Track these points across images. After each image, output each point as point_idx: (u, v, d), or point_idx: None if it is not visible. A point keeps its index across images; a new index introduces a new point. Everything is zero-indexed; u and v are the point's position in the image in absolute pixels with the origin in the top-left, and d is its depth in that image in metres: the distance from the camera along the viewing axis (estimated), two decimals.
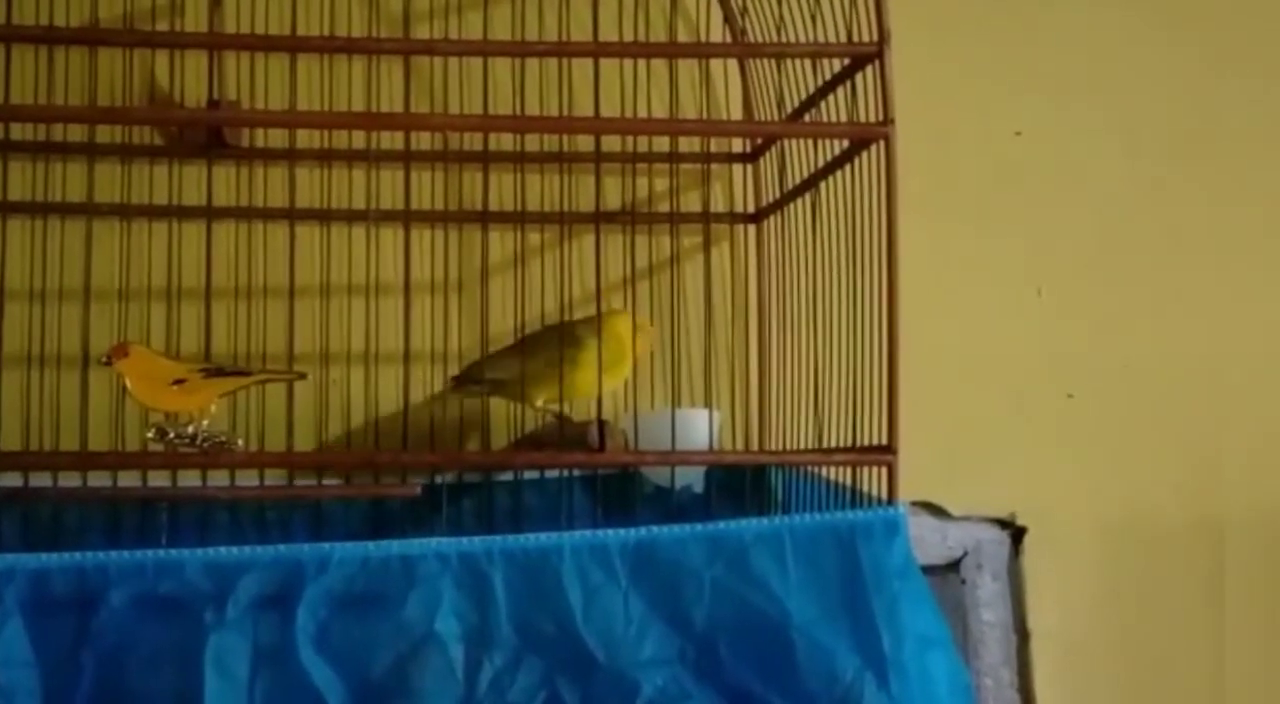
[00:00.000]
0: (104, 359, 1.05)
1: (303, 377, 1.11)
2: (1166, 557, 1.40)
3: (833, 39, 1.11)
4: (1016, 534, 1.38)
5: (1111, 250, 1.42)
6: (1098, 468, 1.40)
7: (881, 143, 1.09)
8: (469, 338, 1.30)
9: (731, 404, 1.33)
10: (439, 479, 1.24)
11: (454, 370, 1.26)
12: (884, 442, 1.08)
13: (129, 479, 1.13)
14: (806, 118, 1.20)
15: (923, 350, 1.15)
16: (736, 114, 1.35)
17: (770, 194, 1.32)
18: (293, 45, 1.10)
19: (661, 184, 1.35)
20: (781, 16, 1.16)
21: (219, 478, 1.17)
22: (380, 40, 1.25)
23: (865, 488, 1.12)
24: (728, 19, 1.32)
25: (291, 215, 1.24)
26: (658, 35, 1.29)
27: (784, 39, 1.18)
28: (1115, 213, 1.43)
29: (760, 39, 1.24)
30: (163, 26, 1.26)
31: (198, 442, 1.04)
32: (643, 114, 1.25)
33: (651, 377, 1.30)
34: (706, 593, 1.04)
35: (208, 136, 1.27)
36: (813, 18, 1.11)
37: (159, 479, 1.15)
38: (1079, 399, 1.40)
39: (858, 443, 1.10)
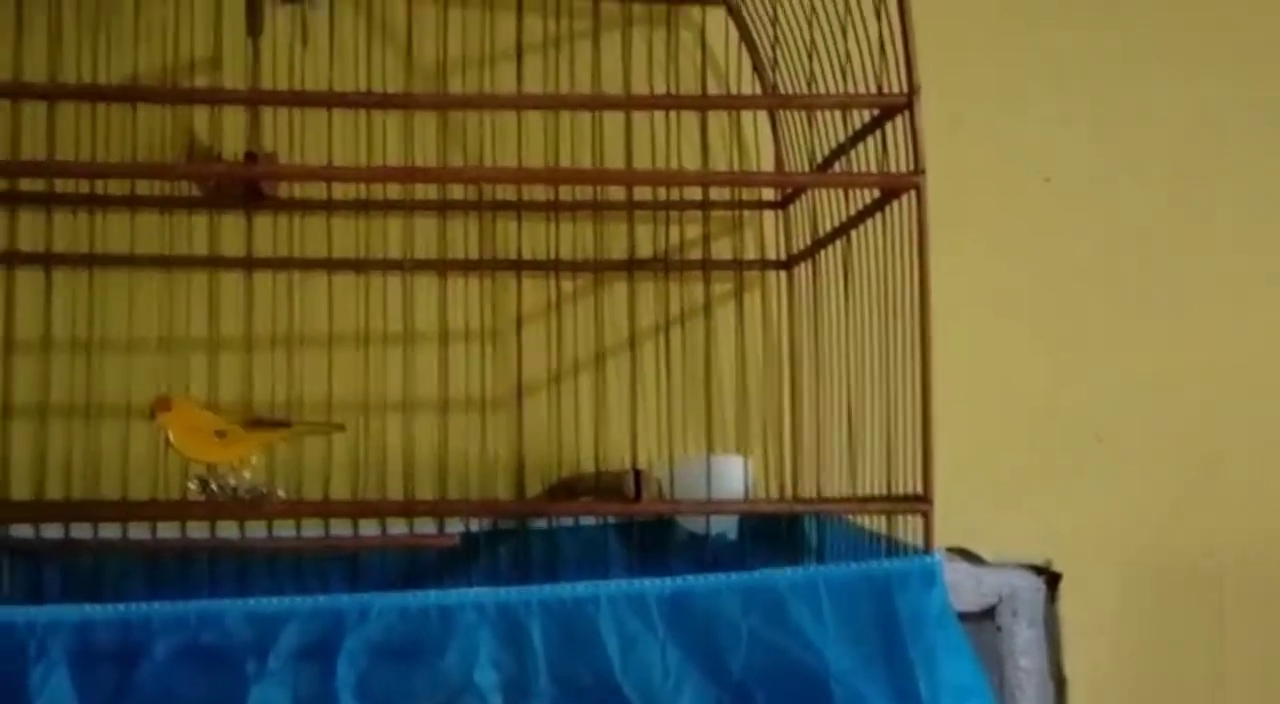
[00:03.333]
0: (148, 412, 1.06)
1: (341, 429, 1.13)
2: (1203, 601, 1.40)
3: (862, 87, 1.12)
4: (1051, 580, 1.37)
5: (1141, 294, 1.43)
6: (1130, 512, 1.40)
7: (913, 192, 1.10)
8: (503, 385, 1.31)
9: (764, 449, 1.33)
10: (474, 526, 1.25)
11: (490, 417, 1.27)
12: (919, 490, 1.08)
13: (168, 529, 1.14)
14: (837, 165, 1.21)
15: (954, 395, 1.15)
16: (767, 159, 1.36)
17: (801, 241, 1.33)
18: (331, 101, 1.11)
19: (693, 231, 1.35)
20: (812, 71, 1.17)
21: (257, 528, 1.18)
22: (417, 96, 1.27)
23: (900, 534, 1.12)
24: (757, 68, 1.33)
25: (330, 265, 1.25)
26: (688, 84, 1.31)
27: (814, 88, 1.19)
28: (1145, 255, 1.43)
29: (790, 86, 1.26)
30: (202, 78, 1.28)
31: (239, 493, 1.05)
32: (674, 162, 1.27)
33: (685, 422, 1.31)
34: (743, 643, 1.05)
35: (246, 188, 1.28)
36: (843, 72, 1.12)
37: (197, 529, 1.17)
38: (1109, 443, 1.40)
39: (892, 491, 1.11)
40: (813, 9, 1.14)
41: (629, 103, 1.11)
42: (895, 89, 1.10)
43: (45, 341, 1.22)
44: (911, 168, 1.10)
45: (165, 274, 1.27)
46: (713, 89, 1.34)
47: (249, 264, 1.28)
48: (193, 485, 1.07)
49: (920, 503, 1.08)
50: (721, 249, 1.35)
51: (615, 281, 1.33)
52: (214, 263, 1.28)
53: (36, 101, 1.16)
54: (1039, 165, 1.43)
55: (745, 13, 1.31)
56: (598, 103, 1.16)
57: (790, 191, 1.34)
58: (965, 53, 1.39)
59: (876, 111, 1.12)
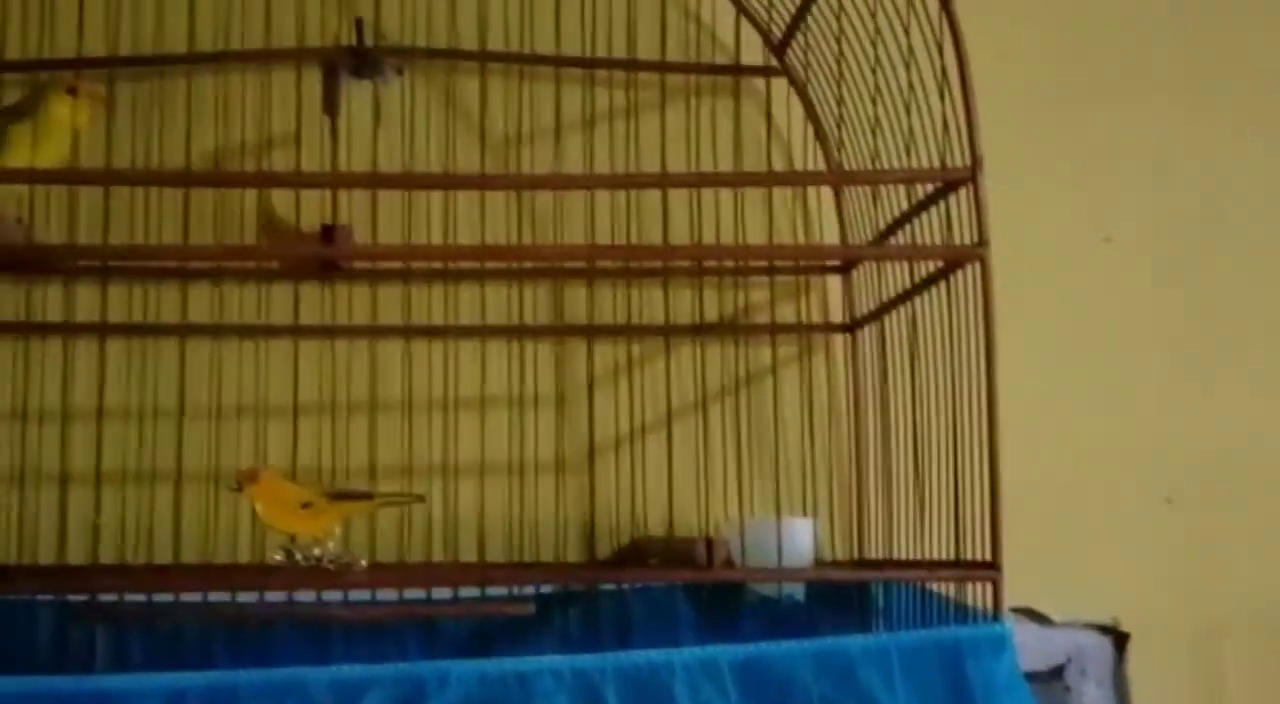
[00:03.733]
0: (235, 484, 1.10)
1: (421, 500, 1.16)
2: (1272, 661, 1.39)
3: (924, 152, 1.13)
4: (1119, 640, 1.38)
5: (1206, 353, 1.43)
6: (1199, 572, 1.40)
7: (977, 263, 1.11)
8: (574, 448, 1.34)
9: (830, 510, 1.34)
10: (545, 588, 1.27)
11: (563, 480, 1.30)
12: (988, 557, 1.10)
13: (247, 595, 1.17)
14: (901, 233, 1.23)
15: (1020, 455, 1.16)
16: (830, 221, 1.39)
17: (864, 304, 1.35)
18: (408, 183, 1.15)
19: (757, 295, 1.38)
20: (876, 148, 1.19)
21: (332, 593, 1.21)
22: (491, 177, 1.30)
23: (968, 595, 1.13)
24: (819, 137, 1.36)
25: (406, 332, 1.29)
26: (751, 149, 1.34)
27: (878, 156, 1.21)
28: (1209, 313, 1.44)
29: (853, 153, 1.28)
30: (281, 152, 1.33)
31: (323, 562, 1.08)
32: (740, 224, 1.29)
33: (751, 482, 1.33)
34: None
35: (322, 261, 1.32)
36: (907, 149, 1.14)
37: (274, 596, 1.19)
38: (1177, 503, 1.41)
39: (960, 555, 1.12)
40: (876, 88, 1.16)
41: (698, 180, 1.14)
42: (958, 162, 1.12)
43: (140, 409, 1.26)
44: (975, 240, 1.11)
45: (249, 342, 1.31)
46: (776, 155, 1.36)
47: (330, 332, 1.31)
48: (279, 556, 1.10)
49: (989, 570, 1.09)
50: (785, 312, 1.37)
51: (682, 345, 1.35)
52: (294, 331, 1.32)
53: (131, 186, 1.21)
54: (1100, 226, 1.44)
55: (810, 87, 1.34)
56: (668, 181, 1.19)
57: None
58: (1026, 121, 1.41)
59: (940, 183, 1.14)
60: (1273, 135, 1.47)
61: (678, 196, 1.31)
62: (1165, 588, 1.39)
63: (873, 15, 1.15)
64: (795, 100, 1.37)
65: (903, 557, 1.23)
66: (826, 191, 1.39)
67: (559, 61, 1.32)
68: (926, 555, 1.17)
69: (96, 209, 1.25)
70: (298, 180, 1.22)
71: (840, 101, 1.24)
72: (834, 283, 1.39)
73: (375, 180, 1.16)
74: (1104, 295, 1.43)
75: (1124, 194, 1.44)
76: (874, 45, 1.16)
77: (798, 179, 1.36)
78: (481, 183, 1.27)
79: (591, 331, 1.34)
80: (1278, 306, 1.45)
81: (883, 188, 1.26)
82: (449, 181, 1.18)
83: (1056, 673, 1.37)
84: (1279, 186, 1.46)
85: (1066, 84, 1.45)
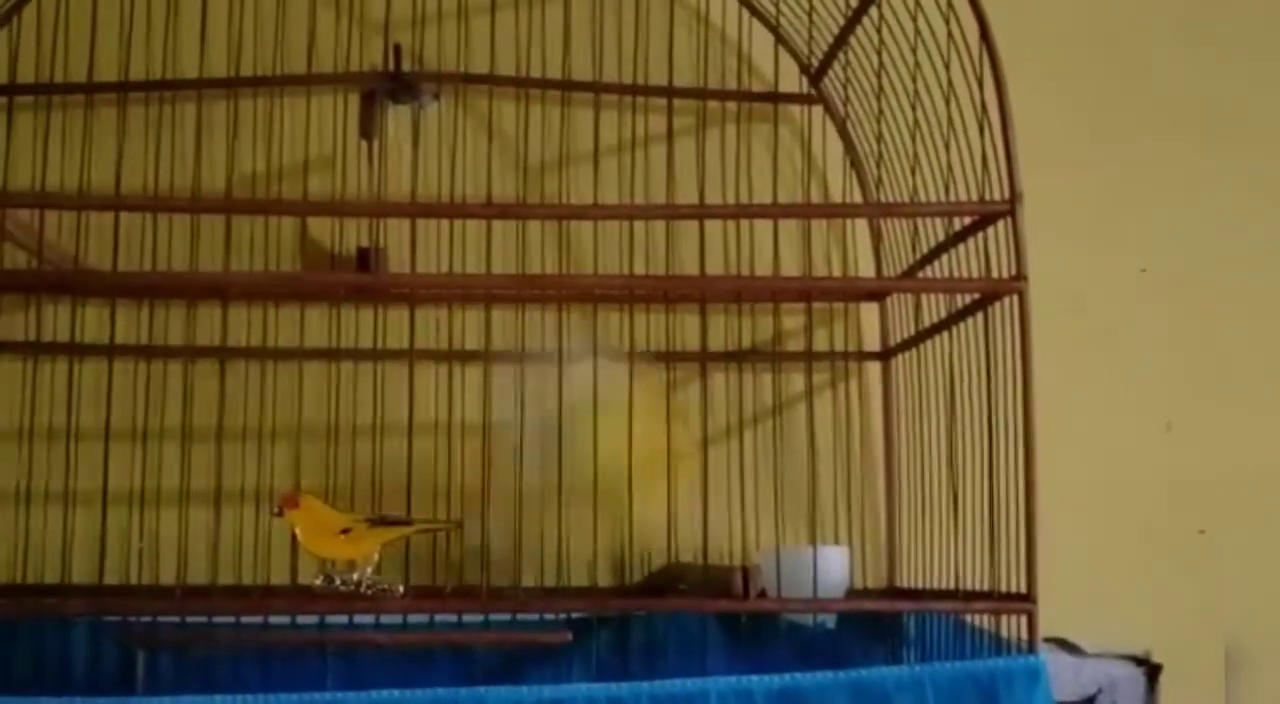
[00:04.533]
0: (276, 510, 1.11)
1: (458, 526, 1.16)
2: None
3: (964, 186, 1.14)
4: (1152, 671, 1.37)
5: (1240, 383, 1.43)
6: (1231, 603, 1.40)
7: (1015, 296, 1.12)
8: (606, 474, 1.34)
9: (863, 539, 1.35)
10: (576, 613, 1.28)
11: (598, 505, 1.30)
12: (1023, 589, 1.10)
13: (278, 617, 1.18)
14: (938, 263, 1.23)
15: (1053, 486, 1.16)
16: (865, 249, 1.39)
17: (898, 333, 1.35)
18: (449, 212, 1.16)
19: (792, 322, 1.38)
20: (915, 186, 1.20)
21: (365, 616, 1.21)
22: (531, 207, 1.31)
23: (1001, 625, 1.13)
24: (855, 165, 1.36)
25: (449, 357, 1.30)
26: (787, 174, 1.34)
27: (915, 182, 1.21)
28: (1244, 345, 1.44)
29: (890, 179, 1.28)
30: (317, 176, 1.34)
31: (362, 587, 1.09)
32: (776, 253, 1.29)
33: (783, 509, 1.33)
34: None
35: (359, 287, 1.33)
36: (946, 187, 1.14)
37: (306, 617, 1.20)
38: (1211, 535, 1.41)
39: (995, 586, 1.12)
40: (915, 123, 1.17)
41: (737, 213, 1.15)
42: (996, 195, 1.12)
43: (180, 430, 1.26)
44: (1013, 273, 1.12)
45: (287, 365, 1.32)
46: (813, 183, 1.37)
47: (368, 356, 1.33)
48: (319, 581, 1.11)
49: (1024, 602, 1.10)
50: (820, 340, 1.38)
51: (717, 371, 1.36)
52: (332, 354, 1.33)
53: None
54: (1136, 257, 1.44)
55: (847, 117, 1.34)
56: (707, 213, 1.20)
57: None
58: (1062, 150, 1.41)
59: (978, 216, 1.14)
60: None
61: (715, 228, 1.32)
62: (1198, 620, 1.39)
63: (913, 50, 1.16)
64: (831, 128, 1.37)
65: (935, 586, 1.23)
66: (863, 226, 1.39)
67: (597, 88, 1.33)
68: (960, 585, 1.17)
69: (139, 232, 1.26)
70: (339, 209, 1.23)
71: (879, 137, 1.24)
72: (869, 311, 1.40)
73: (416, 210, 1.16)
74: (1139, 326, 1.43)
75: (1159, 225, 1.45)
76: (913, 78, 1.17)
77: (837, 211, 1.37)
78: (521, 212, 1.28)
79: (631, 357, 1.34)
80: None
81: (920, 225, 1.26)
82: (489, 211, 1.19)
83: (1088, 703, 1.37)
84: None
85: (1102, 117, 1.45)
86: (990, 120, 1.11)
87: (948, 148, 1.14)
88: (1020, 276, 1.11)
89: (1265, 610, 1.40)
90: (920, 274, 1.26)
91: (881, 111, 1.22)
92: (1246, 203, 1.46)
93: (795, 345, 1.38)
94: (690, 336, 1.36)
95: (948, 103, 1.13)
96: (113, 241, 1.20)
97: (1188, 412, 1.43)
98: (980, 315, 1.16)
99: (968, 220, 1.16)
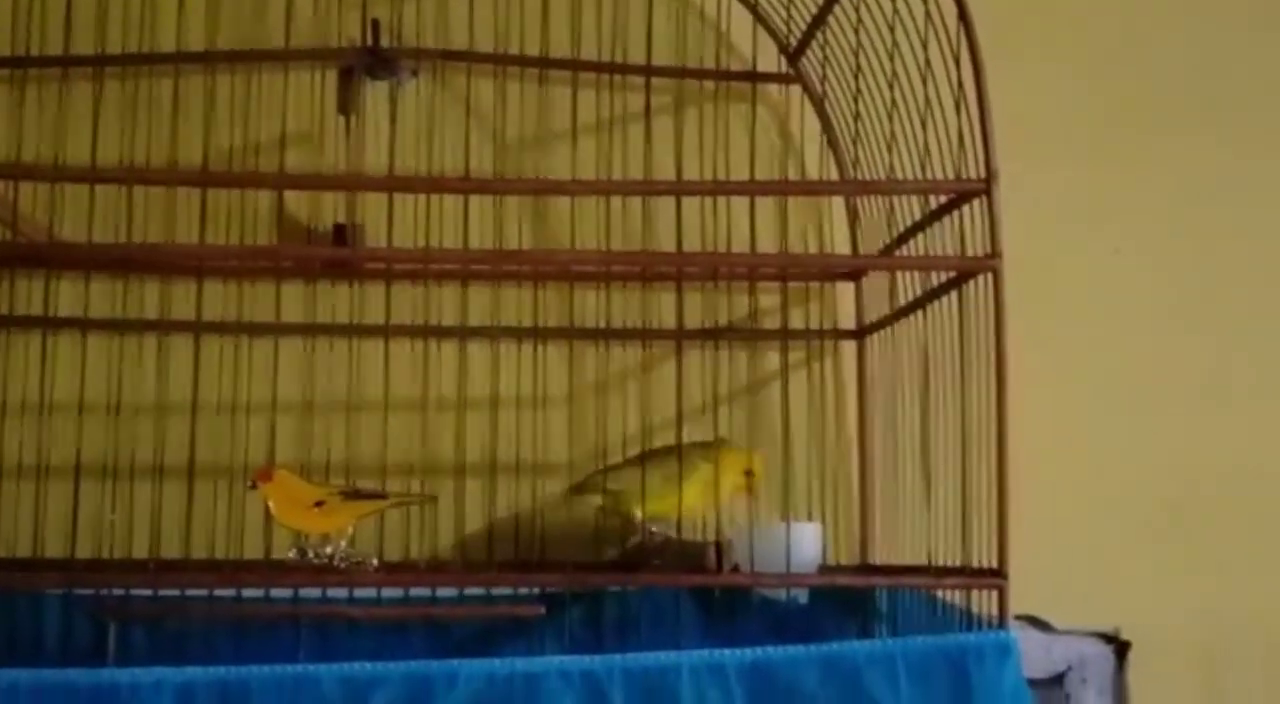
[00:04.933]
0: (249, 483, 1.11)
1: (433, 500, 1.16)
2: (1271, 674, 1.40)
3: (940, 165, 1.14)
4: (1121, 649, 1.39)
5: (1211, 364, 1.44)
6: (1203, 583, 1.41)
7: (989, 274, 1.12)
8: (583, 450, 1.34)
9: (836, 515, 1.35)
10: (550, 588, 1.28)
11: (573, 481, 1.30)
12: (994, 565, 1.11)
13: (253, 591, 1.18)
14: (913, 242, 1.24)
15: (1026, 464, 1.17)
16: (842, 228, 1.39)
17: (873, 311, 1.36)
18: (428, 187, 1.16)
19: (768, 300, 1.39)
20: (891, 164, 1.20)
21: (338, 591, 1.21)
22: (510, 181, 1.31)
23: (973, 602, 1.14)
24: (832, 144, 1.37)
25: (425, 333, 1.30)
26: (764, 153, 1.34)
27: (892, 157, 1.21)
28: (1217, 326, 1.45)
29: (867, 160, 1.29)
30: (295, 151, 1.34)
31: (335, 560, 1.09)
32: (753, 230, 1.30)
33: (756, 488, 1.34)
34: None
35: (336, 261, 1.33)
36: (922, 165, 1.15)
37: (280, 591, 1.20)
38: (1182, 514, 1.42)
39: (967, 562, 1.13)
40: (893, 102, 1.17)
41: (714, 189, 1.15)
42: (972, 173, 1.12)
43: (154, 404, 1.26)
44: (988, 251, 1.12)
45: (262, 340, 1.32)
46: (790, 162, 1.37)
47: (343, 331, 1.33)
48: (292, 554, 1.11)
49: (995, 577, 1.10)
50: (796, 318, 1.38)
51: (692, 349, 1.36)
52: (308, 329, 1.33)
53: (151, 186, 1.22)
54: (1109, 238, 1.45)
55: (825, 96, 1.35)
56: (684, 189, 1.20)
57: None
58: (1038, 132, 1.41)
59: (954, 194, 1.15)
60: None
61: (691, 206, 1.31)
62: (1168, 598, 1.40)
63: (890, 28, 1.16)
64: (809, 108, 1.38)
65: (908, 563, 1.24)
66: (840, 204, 1.40)
67: (576, 65, 1.33)
68: (932, 562, 1.18)
69: (115, 206, 1.26)
70: (316, 182, 1.23)
71: (856, 114, 1.25)
72: (845, 289, 1.40)
73: (392, 184, 1.16)
74: (1112, 307, 1.44)
75: (1133, 207, 1.45)
76: (890, 58, 1.17)
77: (813, 188, 1.37)
78: (499, 187, 1.28)
79: (604, 334, 1.35)
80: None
81: (896, 201, 1.27)
82: (466, 186, 1.19)
83: (1057, 680, 1.38)
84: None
85: (1078, 99, 1.46)
86: (967, 99, 1.11)
87: (924, 127, 1.14)
88: (995, 254, 1.12)
89: (1235, 589, 1.41)
90: (896, 254, 1.27)
91: (859, 90, 1.22)
92: (1222, 184, 1.47)
93: (771, 324, 1.38)
94: (666, 315, 1.36)
95: (925, 82, 1.13)
96: (88, 215, 1.20)
97: (1161, 392, 1.43)
98: (955, 294, 1.17)
99: (944, 199, 1.16)
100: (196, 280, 1.28)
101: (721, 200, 1.33)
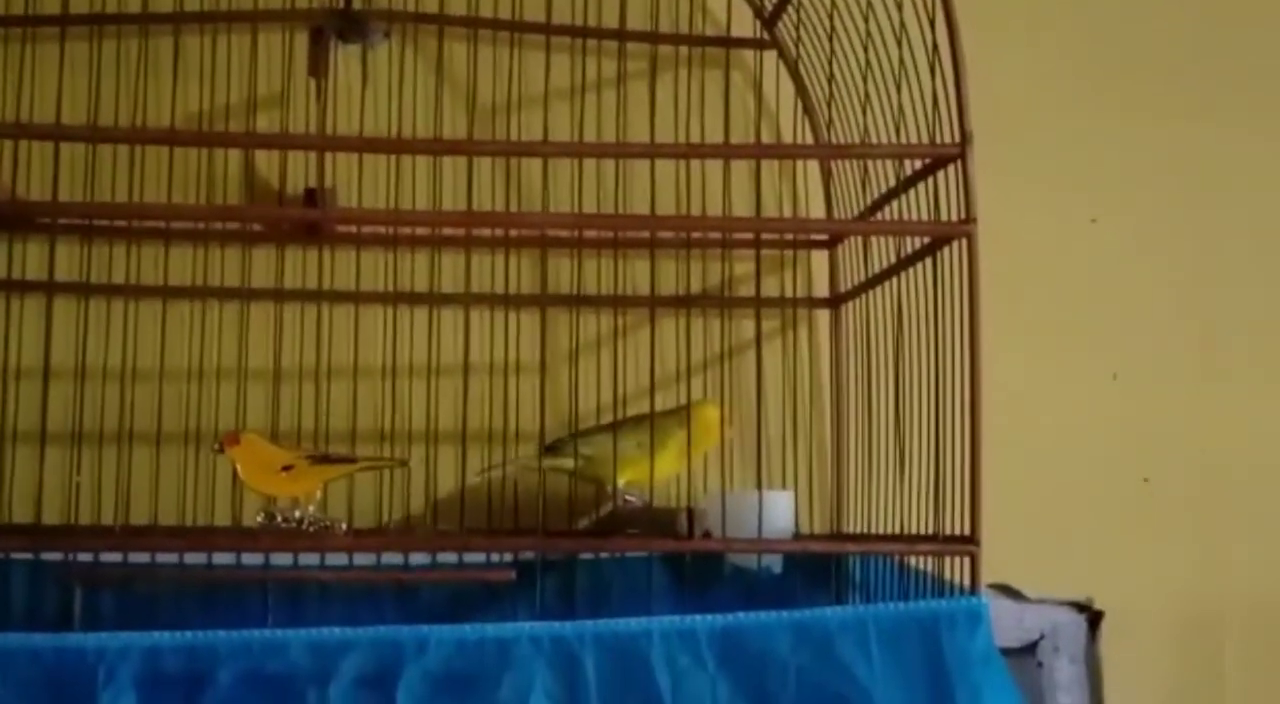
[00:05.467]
0: (216, 446, 1.09)
1: (404, 464, 1.15)
2: (1246, 642, 1.41)
3: (915, 132, 1.14)
4: (1094, 618, 1.39)
5: (1186, 334, 1.44)
6: (1175, 552, 1.41)
7: (963, 240, 1.12)
8: (556, 419, 1.34)
9: (810, 485, 1.35)
10: (522, 556, 1.27)
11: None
12: (966, 532, 1.10)
13: (223, 557, 1.17)
14: (888, 209, 1.23)
15: (999, 433, 1.16)
16: (816, 195, 1.39)
17: (848, 279, 1.35)
18: (397, 147, 1.14)
19: (742, 269, 1.38)
20: (866, 127, 1.19)
21: (310, 557, 1.20)
22: (480, 143, 1.29)
23: (945, 570, 1.14)
24: (807, 110, 1.36)
25: (394, 299, 1.28)
26: (739, 120, 1.33)
27: (866, 127, 1.21)
28: (1190, 295, 1.45)
29: (842, 127, 1.28)
30: (265, 115, 1.32)
31: (304, 525, 1.08)
32: (727, 198, 1.29)
33: (730, 456, 1.33)
34: (792, 680, 1.07)
35: (306, 225, 1.32)
36: (896, 129, 1.14)
37: (251, 557, 1.19)
38: (1155, 483, 1.42)
39: (939, 529, 1.12)
40: (867, 64, 1.16)
41: (687, 151, 1.14)
42: (948, 138, 1.12)
43: (120, 370, 1.25)
44: (963, 216, 1.12)
45: (231, 305, 1.31)
46: (765, 130, 1.36)
47: (313, 297, 1.31)
48: (260, 518, 1.10)
49: (967, 544, 1.10)
50: (770, 287, 1.37)
51: (666, 317, 1.35)
52: (277, 295, 1.32)
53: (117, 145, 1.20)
54: (1087, 207, 1.44)
55: (800, 61, 1.34)
56: (657, 152, 1.18)
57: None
58: (1014, 98, 1.41)
59: (928, 159, 1.14)
60: (1257, 123, 1.48)
61: (665, 172, 1.31)
62: (1140, 567, 1.40)
63: None
64: (784, 74, 1.37)
65: (882, 532, 1.24)
66: (814, 169, 1.39)
67: (549, 30, 1.31)
68: (905, 531, 1.18)
69: (80, 167, 1.24)
70: (285, 142, 1.21)
71: (831, 77, 1.24)
72: (819, 258, 1.39)
73: (363, 145, 1.15)
74: (1089, 276, 1.44)
75: (1111, 176, 1.45)
76: (865, 20, 1.16)
77: (787, 152, 1.36)
78: (470, 149, 1.26)
79: (576, 302, 1.34)
80: (1261, 289, 1.46)
81: (871, 167, 1.26)
82: (437, 147, 1.18)
83: (1029, 649, 1.38)
84: (1263, 172, 1.47)
85: (1056, 66, 1.45)
86: (942, 62, 1.11)
87: (899, 90, 1.13)
88: (970, 220, 1.11)
89: (1208, 558, 1.41)
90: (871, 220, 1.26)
91: (834, 53, 1.21)
92: (1202, 156, 1.46)
93: (745, 292, 1.38)
94: (640, 282, 1.35)
95: (900, 45, 1.12)
96: (52, 177, 1.18)
97: (1135, 360, 1.43)
98: (930, 261, 1.16)
99: (919, 165, 1.16)
100: (164, 244, 1.26)
101: (695, 167, 1.32)
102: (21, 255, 1.30)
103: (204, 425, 1.28)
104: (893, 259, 1.23)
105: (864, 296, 1.31)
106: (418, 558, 1.23)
